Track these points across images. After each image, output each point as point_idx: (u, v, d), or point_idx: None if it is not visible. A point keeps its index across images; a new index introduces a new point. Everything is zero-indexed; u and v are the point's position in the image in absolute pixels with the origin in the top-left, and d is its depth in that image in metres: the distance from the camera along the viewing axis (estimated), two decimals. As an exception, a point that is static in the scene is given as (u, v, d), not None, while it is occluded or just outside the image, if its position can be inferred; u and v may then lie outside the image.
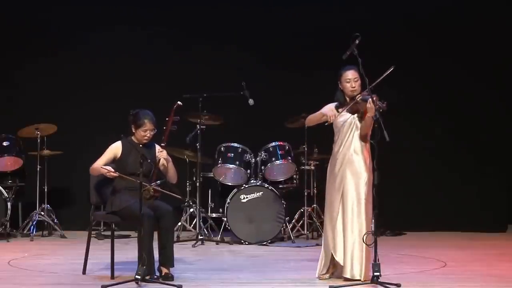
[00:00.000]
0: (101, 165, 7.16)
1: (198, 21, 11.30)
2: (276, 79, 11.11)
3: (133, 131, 7.28)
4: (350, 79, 7.09)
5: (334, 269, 7.13)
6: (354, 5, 11.23)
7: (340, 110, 7.11)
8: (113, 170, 7.10)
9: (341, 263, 7.03)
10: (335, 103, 7.18)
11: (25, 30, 11.15)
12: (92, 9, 11.22)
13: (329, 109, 7.16)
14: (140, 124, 7.21)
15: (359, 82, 7.09)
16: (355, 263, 6.95)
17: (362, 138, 7.09)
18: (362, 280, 6.90)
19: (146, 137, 7.24)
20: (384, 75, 6.82)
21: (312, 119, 7.29)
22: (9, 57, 11.11)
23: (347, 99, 7.12)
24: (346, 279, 6.95)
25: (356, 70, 7.08)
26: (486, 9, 11.25)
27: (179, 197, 7.26)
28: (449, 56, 11.27)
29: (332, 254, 7.07)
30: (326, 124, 7.14)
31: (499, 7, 11.24)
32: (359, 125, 7.09)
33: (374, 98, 6.85)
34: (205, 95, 9.96)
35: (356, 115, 7.09)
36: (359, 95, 7.03)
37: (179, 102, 7.45)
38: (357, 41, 6.93)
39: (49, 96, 11.04)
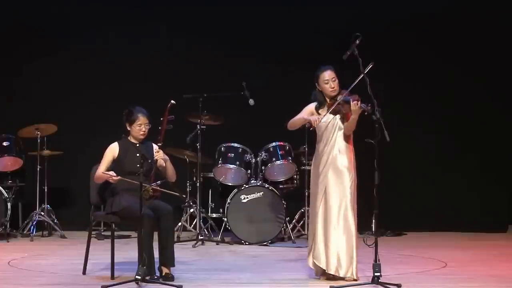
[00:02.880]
0: (103, 171, 7.17)
1: (199, 21, 11.29)
2: (276, 79, 11.11)
3: (128, 129, 7.29)
4: (328, 79, 7.09)
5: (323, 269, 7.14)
6: (355, 5, 11.21)
7: (321, 112, 7.10)
8: (115, 174, 7.10)
9: (318, 262, 7.03)
10: (315, 103, 7.18)
11: (25, 31, 11.14)
12: (92, 9, 11.21)
13: (309, 112, 7.15)
14: (133, 120, 7.23)
15: (336, 81, 7.09)
16: (345, 262, 6.95)
17: (346, 138, 7.10)
18: (355, 278, 6.92)
19: (142, 132, 7.24)
20: (364, 72, 6.81)
21: (294, 123, 7.26)
22: (9, 57, 11.10)
23: (327, 99, 7.12)
24: (335, 278, 6.97)
25: (332, 69, 7.10)
26: (485, 8, 11.24)
27: (178, 194, 7.25)
28: (451, 56, 11.26)
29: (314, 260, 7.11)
30: (311, 129, 7.14)
31: (498, 6, 11.22)
32: (342, 125, 7.09)
33: (357, 100, 6.85)
34: (205, 95, 9.95)
35: (338, 115, 7.09)
36: (339, 96, 7.02)
37: (172, 101, 7.46)
38: (357, 41, 6.93)
39: (49, 96, 11.04)
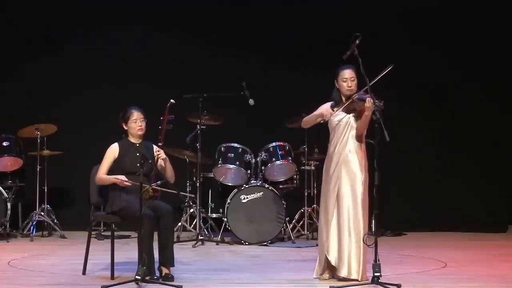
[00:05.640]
0: (104, 172, 7.20)
1: (198, 22, 11.29)
2: (276, 79, 11.11)
3: (126, 128, 7.29)
4: (347, 78, 7.08)
5: (331, 269, 7.12)
6: (354, 5, 11.21)
7: (335, 109, 7.11)
8: (126, 179, 7.09)
9: (333, 263, 7.03)
10: (331, 102, 7.18)
11: (25, 31, 11.15)
12: (92, 10, 11.21)
13: (325, 109, 7.16)
14: (128, 116, 7.25)
15: (355, 81, 7.08)
16: (352, 263, 6.95)
17: (358, 137, 7.08)
18: (359, 280, 6.91)
19: (139, 127, 7.24)
20: (383, 73, 6.81)
21: (308, 121, 7.27)
22: (9, 57, 11.11)
23: (343, 98, 7.12)
24: (342, 279, 6.95)
25: (353, 69, 7.09)
26: (487, 8, 11.24)
27: (181, 193, 7.23)
28: (450, 57, 11.26)
29: (326, 254, 7.08)
30: (322, 122, 7.11)
31: (497, 5, 11.23)
32: (354, 124, 7.08)
33: (371, 99, 6.84)
34: (205, 95, 9.95)
35: (351, 114, 7.09)
36: (355, 95, 7.02)
37: (172, 101, 7.45)
38: (357, 41, 6.93)
39: (49, 96, 11.04)
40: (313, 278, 7.18)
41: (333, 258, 7.03)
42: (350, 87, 7.07)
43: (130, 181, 7.07)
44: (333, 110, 7.12)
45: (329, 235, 7.06)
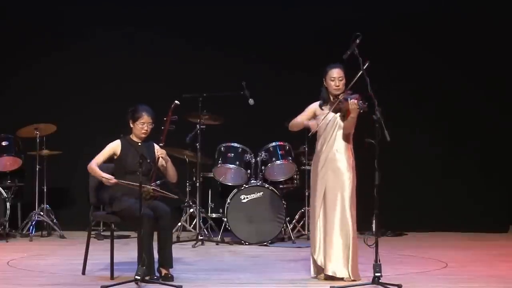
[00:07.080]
0: (99, 163, 7.18)
1: (198, 21, 11.28)
2: (276, 79, 11.10)
3: (131, 126, 7.27)
4: (335, 77, 7.10)
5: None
6: (354, 5, 11.20)
7: (325, 108, 7.10)
8: (112, 177, 7.09)
9: (318, 262, 7.04)
10: (319, 101, 7.19)
11: (25, 31, 11.14)
12: (92, 9, 11.20)
13: (311, 111, 7.17)
14: (137, 117, 7.22)
15: (343, 81, 7.11)
16: (339, 260, 6.94)
17: (345, 137, 7.10)
18: (352, 278, 6.91)
19: (144, 130, 7.22)
20: (361, 71, 6.81)
21: (294, 125, 7.31)
22: (8, 57, 11.09)
23: (331, 97, 7.12)
24: (329, 277, 6.96)
25: (341, 68, 7.12)
26: (481, 7, 11.23)
27: (178, 197, 7.23)
28: (451, 58, 11.25)
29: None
30: (310, 135, 7.13)
31: (496, 4, 11.22)
32: (342, 124, 7.09)
33: (356, 99, 6.85)
34: (205, 95, 9.94)
35: (338, 114, 7.09)
36: (342, 94, 7.03)
37: (176, 102, 7.44)
38: (357, 41, 6.92)
39: (48, 96, 11.03)
40: (311, 277, 7.17)
41: (319, 258, 7.04)
42: (338, 86, 7.09)
43: (117, 180, 7.06)
44: (322, 109, 7.14)
45: (315, 233, 7.08)
